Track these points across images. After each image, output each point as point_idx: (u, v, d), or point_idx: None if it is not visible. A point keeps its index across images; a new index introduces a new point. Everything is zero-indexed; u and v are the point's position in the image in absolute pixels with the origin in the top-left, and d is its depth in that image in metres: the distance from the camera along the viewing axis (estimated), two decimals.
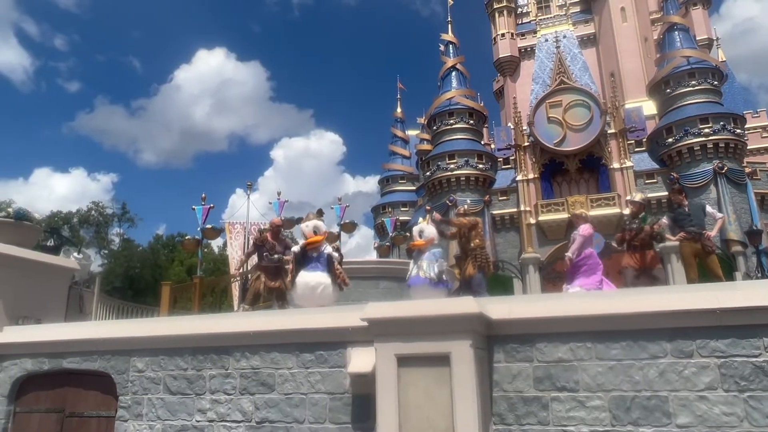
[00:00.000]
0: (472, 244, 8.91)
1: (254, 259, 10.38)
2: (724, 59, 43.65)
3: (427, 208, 31.96)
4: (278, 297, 8.91)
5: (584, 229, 8.23)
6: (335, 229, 19.51)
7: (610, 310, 4.71)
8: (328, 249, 7.41)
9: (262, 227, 9.92)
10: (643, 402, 4.45)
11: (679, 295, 4.82)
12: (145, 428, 6.08)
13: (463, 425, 4.36)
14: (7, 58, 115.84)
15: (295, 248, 7.61)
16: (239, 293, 14.96)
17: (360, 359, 5.17)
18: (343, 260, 7.67)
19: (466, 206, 10.22)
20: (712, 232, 8.61)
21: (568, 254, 8.09)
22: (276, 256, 8.57)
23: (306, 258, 7.37)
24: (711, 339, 4.40)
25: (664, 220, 8.82)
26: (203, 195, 17.36)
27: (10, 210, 7.75)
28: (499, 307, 4.99)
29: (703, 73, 34.69)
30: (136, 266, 44.79)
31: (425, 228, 7.34)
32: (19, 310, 7.28)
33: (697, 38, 40.14)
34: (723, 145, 32.90)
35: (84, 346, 6.63)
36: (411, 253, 6.43)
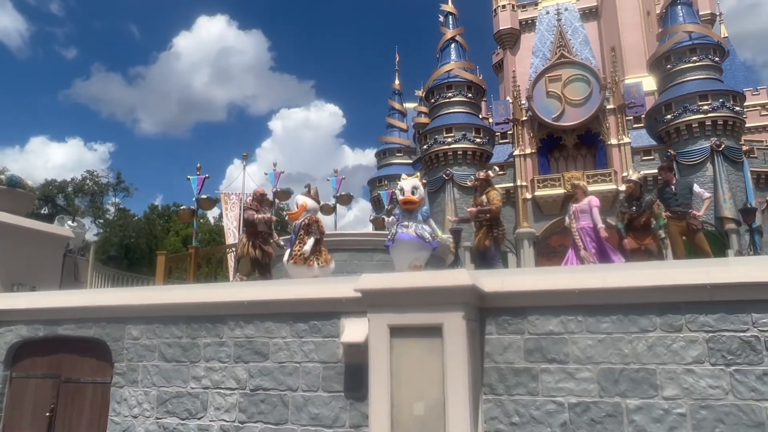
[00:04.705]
0: (492, 206, 8.53)
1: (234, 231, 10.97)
2: (726, 35, 43.20)
3: (424, 181, 31.87)
4: (262, 268, 9.24)
5: (595, 200, 8.35)
6: (331, 202, 19.48)
7: (602, 285, 4.75)
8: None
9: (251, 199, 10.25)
10: (631, 374, 4.52)
11: (672, 270, 4.85)
12: (140, 394, 6.16)
13: (454, 395, 4.43)
14: (2, 23, 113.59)
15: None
16: (234, 264, 15.12)
17: (353, 329, 5.21)
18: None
19: (489, 172, 9.26)
20: (700, 212, 8.62)
21: (601, 225, 8.12)
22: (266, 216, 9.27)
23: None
24: (700, 314, 4.45)
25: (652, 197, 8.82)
26: (198, 165, 17.27)
27: (2, 177, 7.69)
28: (491, 280, 5.02)
29: (705, 49, 34.35)
30: (131, 236, 44.81)
31: (419, 185, 6.08)
32: (14, 277, 7.30)
33: (700, 13, 39.63)
34: (721, 122, 32.80)
35: (79, 314, 6.67)
36: (398, 211, 5.78)
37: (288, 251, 7.03)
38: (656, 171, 33.48)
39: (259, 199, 9.91)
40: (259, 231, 9.38)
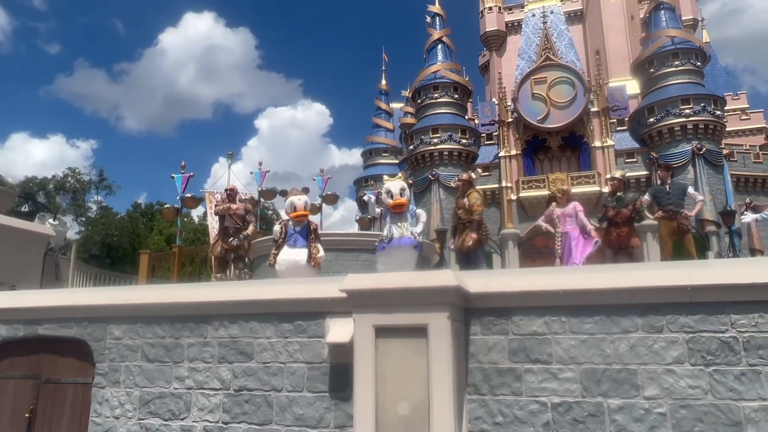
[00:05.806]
0: (475, 215, 8.71)
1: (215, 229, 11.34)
2: (708, 40, 43.86)
3: (409, 181, 31.94)
4: (236, 259, 9.34)
5: (579, 205, 8.69)
6: (317, 201, 19.43)
7: (585, 286, 4.79)
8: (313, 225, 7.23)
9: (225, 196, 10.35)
10: (613, 375, 4.58)
11: (653, 272, 4.92)
12: (122, 395, 6.09)
13: (439, 395, 4.44)
14: None
15: (276, 227, 7.56)
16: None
17: (338, 329, 5.21)
18: (320, 234, 7.57)
19: (472, 174, 9.52)
20: (691, 213, 8.88)
21: (590, 226, 8.46)
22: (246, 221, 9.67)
23: (288, 233, 7.24)
24: (681, 315, 4.52)
25: (646, 197, 9.06)
26: (183, 163, 17.17)
27: None
28: (477, 281, 5.05)
29: (687, 53, 34.87)
30: (114, 234, 44.25)
31: (406, 186, 6.34)
32: None
33: (683, 18, 40.23)
34: (702, 126, 33.32)
35: (60, 313, 6.57)
36: (386, 214, 5.88)
37: (294, 250, 6.94)
38: (640, 174, 34.13)
39: (231, 196, 10.01)
40: (227, 226, 9.44)
